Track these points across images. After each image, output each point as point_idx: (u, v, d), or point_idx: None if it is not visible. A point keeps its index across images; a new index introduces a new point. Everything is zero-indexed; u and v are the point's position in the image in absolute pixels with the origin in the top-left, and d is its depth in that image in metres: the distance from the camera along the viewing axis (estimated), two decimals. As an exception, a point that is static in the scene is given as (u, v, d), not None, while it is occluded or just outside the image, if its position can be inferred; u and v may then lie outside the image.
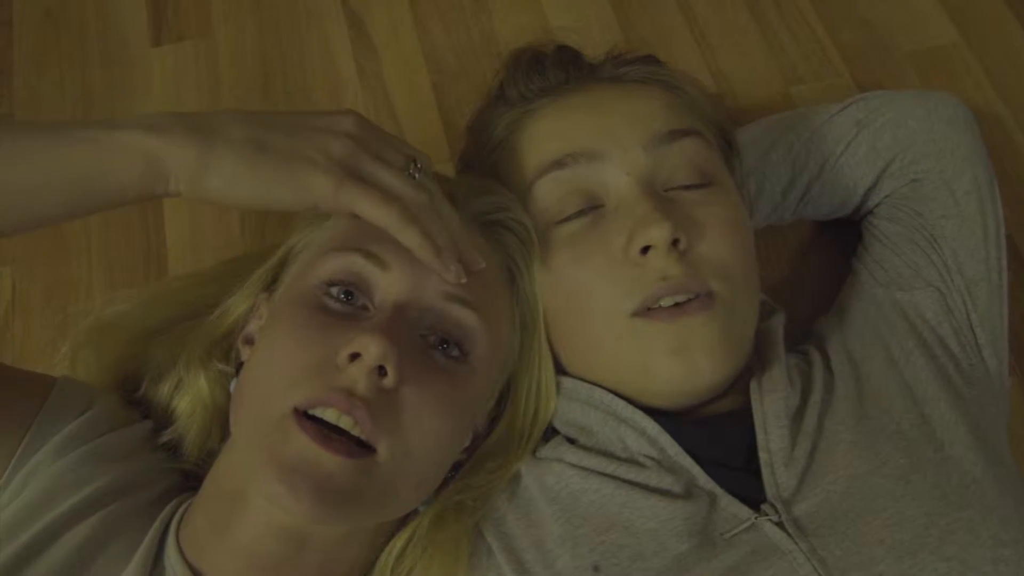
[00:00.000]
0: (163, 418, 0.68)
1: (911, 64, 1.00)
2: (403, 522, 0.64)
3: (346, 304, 0.59)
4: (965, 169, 0.77)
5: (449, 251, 0.58)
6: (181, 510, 0.63)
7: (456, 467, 0.65)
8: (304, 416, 0.54)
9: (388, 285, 0.59)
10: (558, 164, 0.66)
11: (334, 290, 0.59)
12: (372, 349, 0.54)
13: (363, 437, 0.55)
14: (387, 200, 0.56)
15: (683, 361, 0.62)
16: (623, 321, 0.63)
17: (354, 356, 0.55)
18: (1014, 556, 0.55)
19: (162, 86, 1.01)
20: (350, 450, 0.54)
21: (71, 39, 1.05)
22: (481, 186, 0.69)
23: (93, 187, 0.54)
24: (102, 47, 1.04)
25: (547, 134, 0.69)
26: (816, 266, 0.88)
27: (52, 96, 1.01)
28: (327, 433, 0.54)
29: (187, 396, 0.67)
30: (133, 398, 0.69)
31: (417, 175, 0.59)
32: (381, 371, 0.55)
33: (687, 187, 0.66)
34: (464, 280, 0.59)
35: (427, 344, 0.60)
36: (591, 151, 0.66)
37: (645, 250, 0.62)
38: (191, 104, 1.00)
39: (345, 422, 0.54)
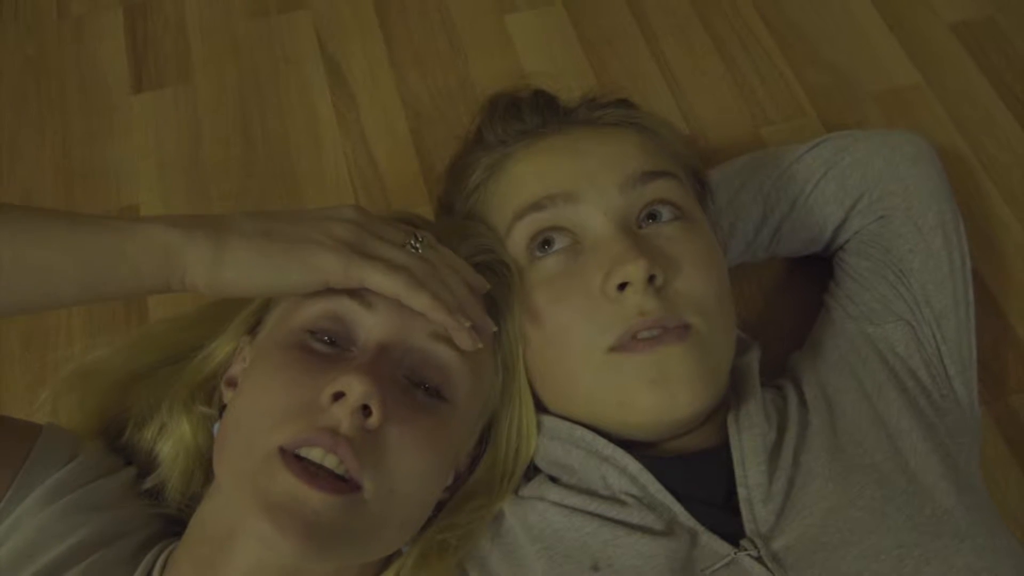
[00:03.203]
0: (146, 463, 0.68)
1: (875, 104, 1.03)
2: (387, 563, 0.64)
3: (330, 345, 0.60)
4: (930, 205, 0.80)
5: (461, 313, 0.60)
6: (164, 556, 0.63)
7: (439, 507, 0.66)
8: (289, 455, 0.55)
9: (373, 325, 0.60)
10: (536, 207, 0.68)
11: (318, 333, 0.60)
12: (356, 388, 0.54)
13: (348, 476, 0.55)
14: (395, 269, 0.58)
15: (662, 391, 0.63)
16: (601, 356, 0.64)
17: (338, 396, 0.55)
18: (987, 583, 0.56)
19: (142, 132, 1.02)
20: (336, 486, 0.54)
21: (51, 86, 1.05)
22: (464, 228, 0.70)
23: (112, 273, 0.56)
24: (82, 94, 1.05)
25: (525, 177, 0.70)
26: (789, 303, 0.90)
27: (32, 142, 1.01)
28: (314, 471, 0.54)
29: (170, 440, 0.67)
30: (116, 444, 0.69)
31: (419, 248, 0.61)
32: (365, 411, 0.55)
33: (663, 220, 0.68)
34: (480, 346, 0.61)
35: (410, 383, 0.60)
36: (568, 193, 0.67)
37: (622, 287, 0.63)
38: (171, 150, 1.01)
39: (330, 461, 0.55)
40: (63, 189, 0.98)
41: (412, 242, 0.61)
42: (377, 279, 0.57)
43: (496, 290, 0.67)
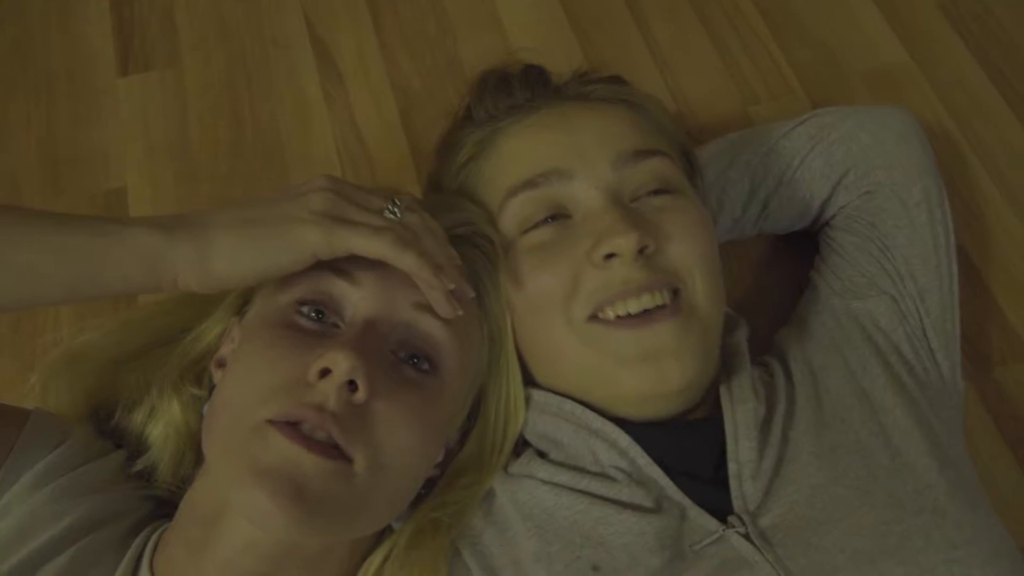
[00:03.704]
0: (137, 446, 0.68)
1: (862, 83, 1.03)
2: (378, 540, 0.65)
3: (317, 322, 0.60)
4: (915, 180, 0.80)
5: (446, 271, 0.60)
6: (155, 537, 0.63)
7: (429, 483, 0.66)
8: (280, 422, 0.55)
9: (359, 301, 0.60)
10: (530, 184, 0.68)
11: (305, 309, 0.60)
12: (342, 364, 0.54)
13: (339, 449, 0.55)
14: (379, 231, 0.58)
15: (652, 367, 0.63)
16: (582, 326, 0.65)
17: (324, 372, 0.56)
18: (966, 557, 0.57)
19: (129, 115, 1.02)
20: (328, 452, 0.54)
21: (37, 69, 1.05)
22: (447, 202, 0.70)
23: (98, 278, 0.56)
24: (68, 77, 1.05)
25: (517, 153, 0.70)
26: (776, 279, 0.90)
27: (17, 125, 1.01)
28: (305, 435, 0.54)
29: (160, 422, 0.67)
30: (106, 427, 0.69)
31: (397, 212, 0.61)
32: (352, 386, 0.56)
33: (654, 192, 0.68)
34: (460, 313, 0.61)
35: (398, 359, 0.60)
36: (561, 169, 0.67)
37: (609, 257, 0.64)
38: (159, 133, 1.00)
39: (319, 437, 0.55)
40: (49, 172, 0.98)
41: (390, 207, 0.61)
42: (360, 243, 0.57)
43: (478, 263, 0.68)
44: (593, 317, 0.65)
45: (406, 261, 0.58)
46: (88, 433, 0.67)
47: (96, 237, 0.56)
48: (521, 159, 0.70)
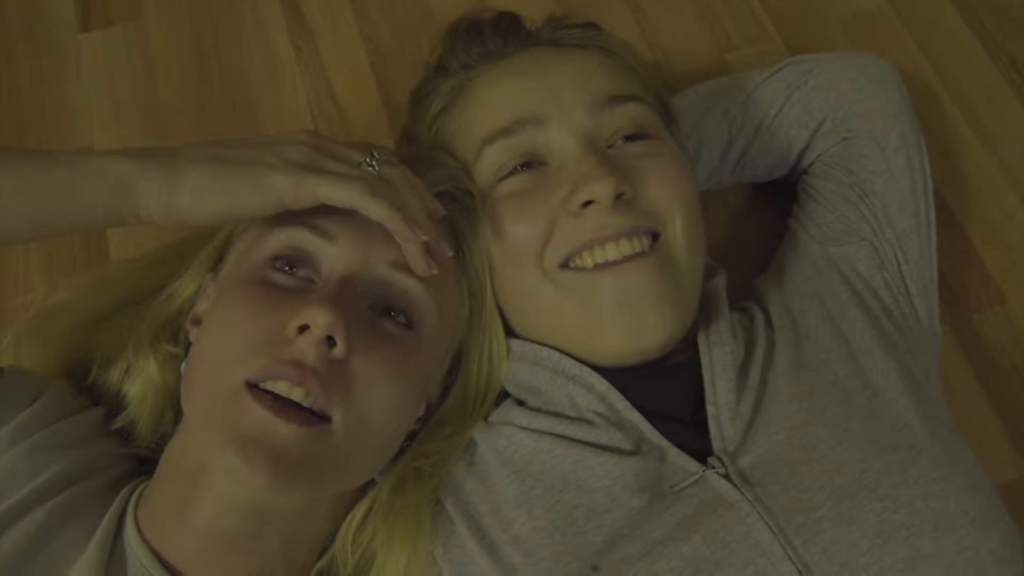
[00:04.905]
0: (114, 404, 0.68)
1: (840, 29, 1.02)
2: (363, 492, 0.65)
3: (293, 278, 0.60)
4: (893, 126, 0.80)
5: (418, 227, 0.59)
6: (137, 493, 0.63)
7: (411, 437, 0.66)
8: (257, 389, 0.55)
9: (334, 257, 0.60)
10: (505, 132, 0.67)
11: (278, 263, 0.60)
12: (320, 320, 0.54)
13: (316, 408, 0.55)
14: (349, 179, 0.57)
15: (629, 315, 0.63)
16: (558, 274, 0.64)
17: (302, 328, 0.55)
18: (942, 492, 0.58)
19: (92, 72, 0.99)
20: (305, 418, 0.54)
21: (-7, 28, 1.02)
22: (426, 158, 0.69)
23: (63, 208, 0.55)
24: (26, 34, 1.01)
25: (491, 100, 0.69)
26: (755, 228, 0.90)
27: (-23, 85, 0.98)
28: (282, 403, 0.54)
29: (138, 380, 0.66)
30: (83, 385, 0.69)
31: (376, 166, 0.60)
32: (330, 342, 0.55)
33: (630, 138, 0.67)
34: (436, 271, 0.60)
35: (375, 313, 0.60)
36: (536, 116, 0.67)
37: (586, 204, 0.63)
38: (125, 89, 0.98)
39: (297, 394, 0.55)
40: (13, 132, 0.95)
41: (368, 160, 0.60)
42: (329, 191, 0.56)
43: (460, 219, 0.67)
44: (568, 265, 0.64)
45: (375, 210, 0.57)
46: (64, 389, 0.66)
47: (62, 167, 0.55)
48: (495, 107, 0.69)
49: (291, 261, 0.60)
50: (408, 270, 0.60)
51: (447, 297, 0.65)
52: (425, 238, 0.58)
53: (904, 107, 0.82)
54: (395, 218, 0.57)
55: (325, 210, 0.58)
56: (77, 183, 0.54)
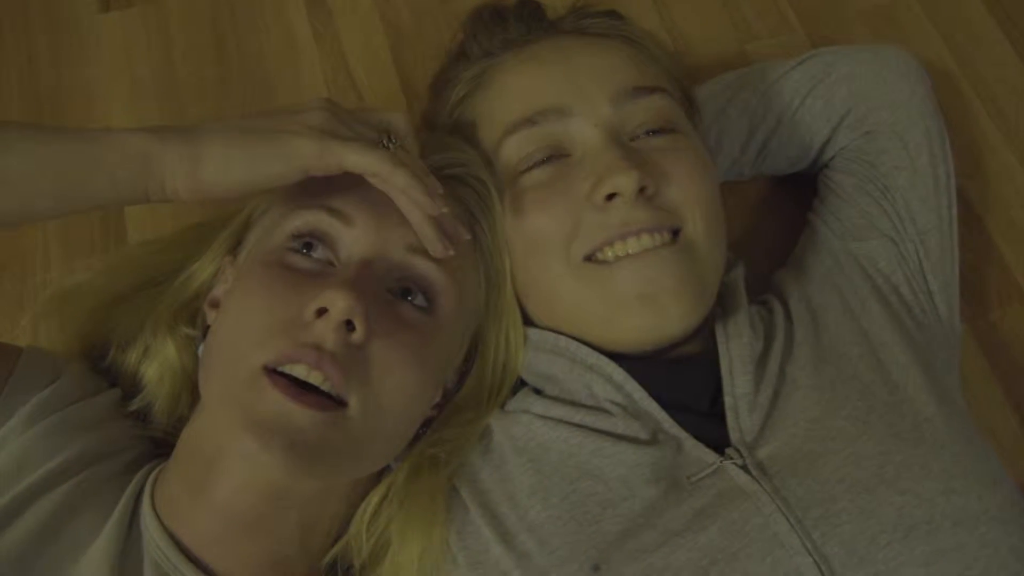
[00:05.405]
0: (131, 386, 0.68)
1: (862, 21, 1.01)
2: (378, 478, 0.65)
3: (311, 260, 0.60)
4: (917, 121, 0.79)
5: (438, 197, 0.59)
6: (154, 475, 0.63)
7: (427, 423, 0.66)
8: (275, 373, 0.55)
9: (353, 240, 0.60)
10: (528, 122, 0.67)
11: (297, 243, 0.60)
12: (339, 303, 0.54)
13: (333, 392, 0.55)
14: (373, 146, 0.57)
15: (651, 307, 0.63)
16: (580, 267, 0.64)
17: (321, 311, 0.55)
18: (963, 487, 0.57)
19: (111, 53, 0.99)
20: (321, 403, 0.54)
21: (14, 6, 1.01)
22: (441, 142, 0.69)
23: (88, 184, 0.54)
24: (46, 13, 1.01)
25: (514, 89, 0.69)
26: (774, 221, 0.89)
27: (-2, 65, 0.98)
28: (299, 388, 0.54)
29: (155, 363, 0.66)
30: (100, 366, 0.69)
31: (391, 145, 0.60)
32: (349, 326, 0.55)
33: (653, 132, 0.67)
34: (452, 253, 0.60)
35: (394, 298, 0.60)
36: (559, 107, 0.66)
37: (610, 197, 0.63)
38: (143, 71, 0.97)
39: (315, 377, 0.55)
40: (32, 112, 0.95)
41: (385, 140, 0.60)
42: (355, 158, 0.56)
43: (471, 201, 0.67)
44: (591, 258, 0.64)
45: (398, 178, 0.57)
46: (82, 370, 0.67)
47: (84, 142, 0.54)
48: (518, 95, 0.68)
49: (310, 243, 0.60)
50: (426, 254, 0.60)
51: (465, 282, 0.65)
52: (445, 209, 0.58)
53: (928, 102, 0.81)
54: (416, 187, 0.57)
55: (343, 192, 0.59)
56: (100, 158, 0.54)
